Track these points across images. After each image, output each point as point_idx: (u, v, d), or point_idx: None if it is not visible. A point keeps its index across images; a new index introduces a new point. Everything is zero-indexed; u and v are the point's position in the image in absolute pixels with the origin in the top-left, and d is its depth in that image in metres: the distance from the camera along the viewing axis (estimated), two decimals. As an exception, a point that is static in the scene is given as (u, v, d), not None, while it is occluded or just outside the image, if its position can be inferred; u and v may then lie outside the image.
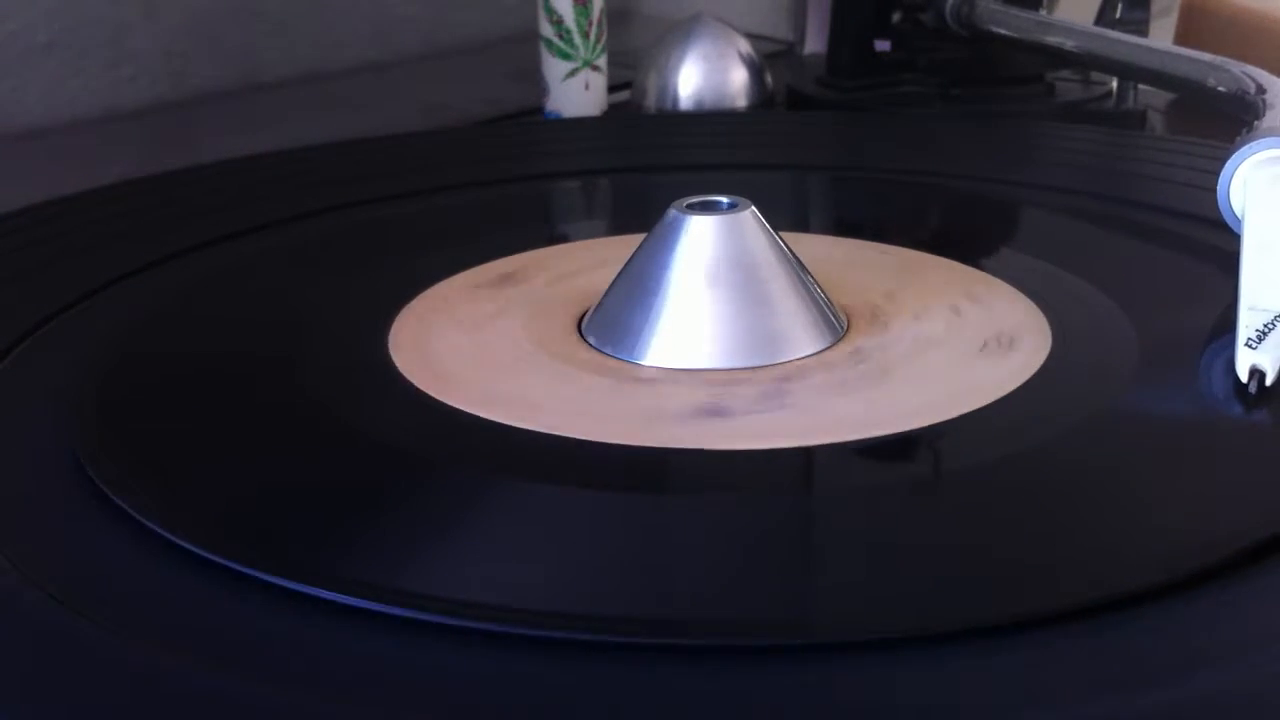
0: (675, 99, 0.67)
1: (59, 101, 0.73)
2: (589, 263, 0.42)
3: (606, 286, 0.38)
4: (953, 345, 0.36)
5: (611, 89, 0.67)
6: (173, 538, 0.27)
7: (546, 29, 0.65)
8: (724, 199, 0.37)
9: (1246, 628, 0.24)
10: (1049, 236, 0.46)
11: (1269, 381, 0.32)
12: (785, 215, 0.46)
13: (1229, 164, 0.38)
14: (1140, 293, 0.39)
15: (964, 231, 0.48)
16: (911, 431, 0.31)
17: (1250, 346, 0.32)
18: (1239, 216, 0.37)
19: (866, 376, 0.34)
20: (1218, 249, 0.40)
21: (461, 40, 0.89)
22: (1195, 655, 0.23)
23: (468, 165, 0.56)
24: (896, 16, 0.68)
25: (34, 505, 0.29)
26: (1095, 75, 0.67)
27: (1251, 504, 0.28)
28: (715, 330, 0.35)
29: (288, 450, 0.32)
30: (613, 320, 0.37)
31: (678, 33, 0.68)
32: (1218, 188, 0.38)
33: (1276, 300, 0.32)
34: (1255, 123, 0.41)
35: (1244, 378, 0.32)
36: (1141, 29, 0.64)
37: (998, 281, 0.40)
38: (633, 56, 0.71)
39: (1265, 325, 0.32)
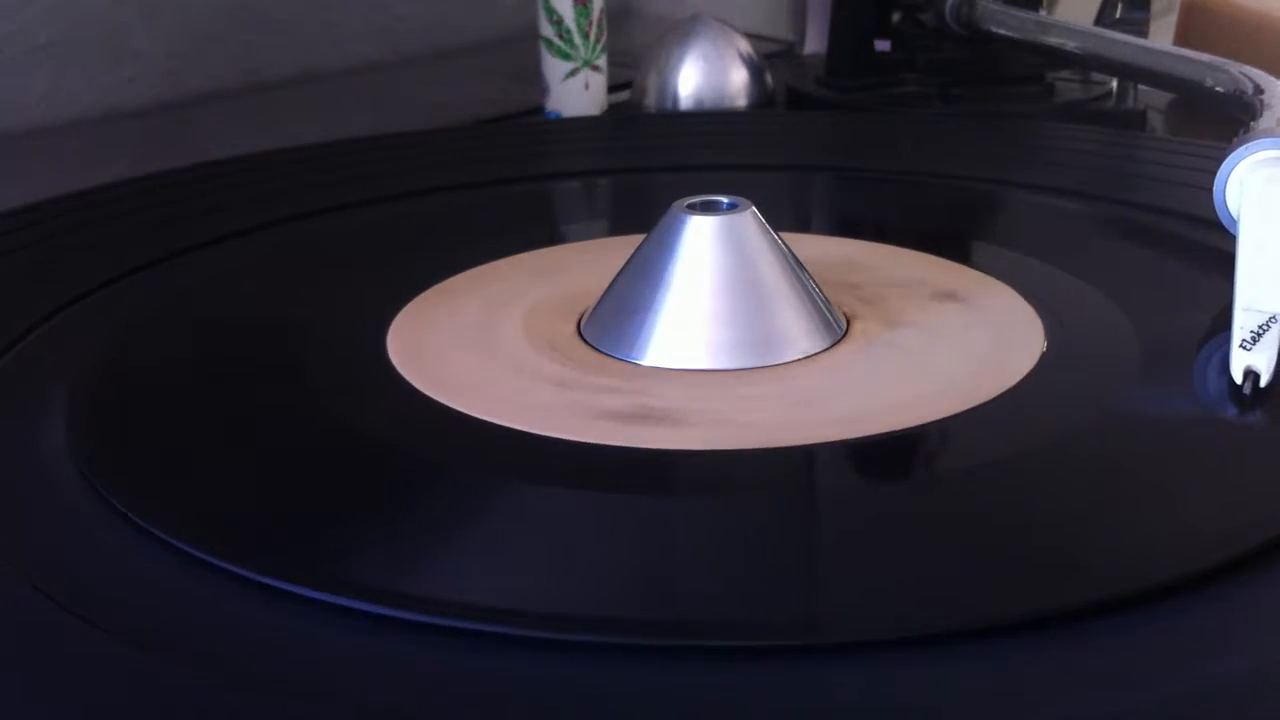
0: (675, 99, 0.67)
1: (59, 101, 0.73)
2: (589, 263, 0.42)
3: (606, 286, 0.38)
4: (952, 345, 0.36)
5: (611, 89, 0.67)
6: (172, 539, 0.27)
7: (546, 29, 0.65)
8: (724, 199, 0.37)
9: (1247, 628, 0.24)
10: (1049, 236, 0.46)
11: (1263, 382, 0.32)
12: (785, 215, 0.46)
13: (1225, 164, 0.38)
14: (1140, 293, 0.39)
15: (963, 231, 0.48)
16: (911, 431, 0.31)
17: (1245, 348, 0.32)
18: (1235, 217, 0.37)
19: (865, 376, 0.34)
20: (1217, 249, 0.40)
21: (461, 40, 0.89)
22: (1195, 655, 0.23)
23: (468, 165, 0.56)
24: (896, 16, 0.68)
25: (34, 505, 0.29)
26: (1095, 75, 0.67)
27: (1250, 505, 0.28)
28: (715, 330, 0.35)
29: (286, 451, 0.32)
30: (613, 320, 0.37)
31: (678, 33, 0.68)
32: (1214, 188, 0.38)
33: (1271, 301, 0.32)
34: (1252, 123, 0.41)
35: (1238, 379, 0.32)
36: (1141, 29, 0.64)
37: (997, 282, 0.40)
38: (633, 56, 0.71)
39: (1260, 326, 0.32)
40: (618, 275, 0.37)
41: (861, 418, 0.32)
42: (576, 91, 0.66)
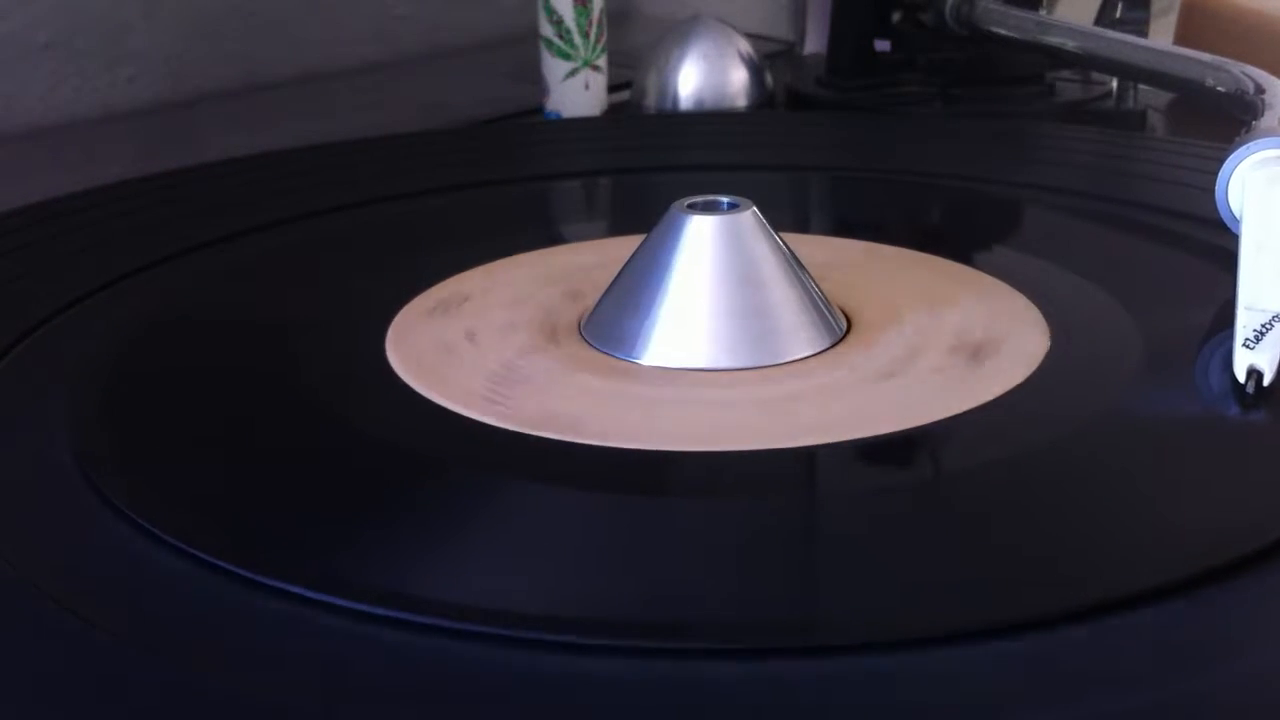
0: (675, 99, 0.67)
1: (59, 101, 0.73)
2: (589, 263, 0.42)
3: (606, 286, 0.38)
4: (952, 345, 0.36)
5: (611, 89, 0.67)
6: (172, 538, 0.27)
7: (546, 29, 0.65)
8: (724, 199, 0.37)
9: (1248, 629, 0.24)
10: (1049, 236, 0.46)
11: (1267, 381, 0.32)
12: (785, 215, 0.46)
13: (1227, 164, 0.38)
14: (1140, 292, 0.39)
15: (964, 231, 0.48)
16: (911, 431, 0.31)
17: (1248, 347, 0.32)
18: (1238, 217, 0.37)
19: (866, 376, 0.34)
20: (1218, 249, 0.40)
21: (461, 40, 0.89)
22: (1195, 656, 0.23)
23: (468, 165, 0.56)
24: (896, 16, 0.68)
25: (34, 505, 0.29)
26: (1095, 75, 0.67)
27: (1252, 505, 0.28)
28: (715, 330, 0.35)
29: (286, 451, 0.32)
30: (613, 320, 0.37)
31: (678, 33, 0.68)
32: (1216, 188, 0.38)
33: (1274, 300, 0.32)
34: (1254, 123, 0.41)
35: (1242, 378, 0.32)
36: (1141, 29, 0.64)
37: (998, 281, 0.40)
38: (633, 56, 0.71)
39: (1263, 325, 0.32)
40: (618, 275, 0.37)
41: (862, 418, 0.32)
42: (576, 91, 0.66)
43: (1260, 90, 0.45)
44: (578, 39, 0.64)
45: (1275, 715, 0.22)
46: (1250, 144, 0.38)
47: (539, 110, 0.67)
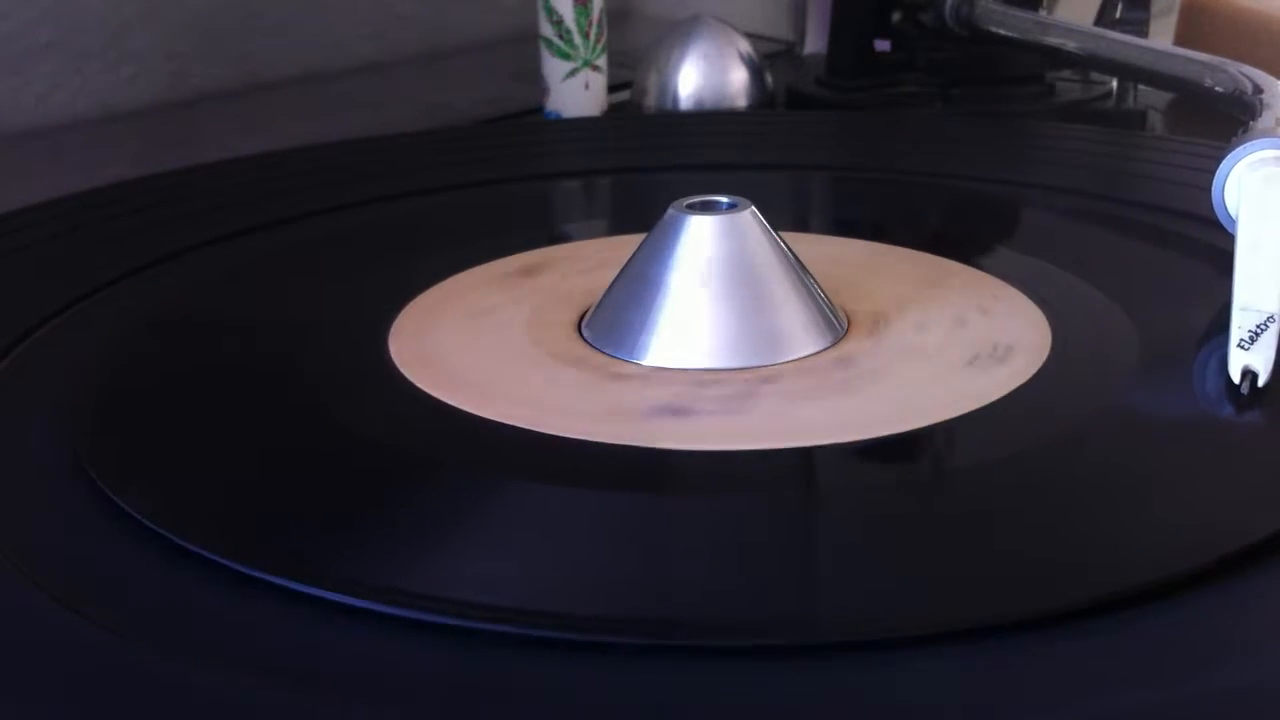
0: (675, 99, 0.67)
1: (59, 101, 0.73)
2: (589, 263, 0.42)
3: (606, 286, 0.38)
4: (952, 344, 0.36)
5: (611, 89, 0.67)
6: (172, 537, 0.27)
7: (546, 29, 0.65)
8: (724, 199, 0.37)
9: (1246, 628, 0.24)
10: (1049, 236, 0.46)
11: (1261, 382, 0.32)
12: (785, 215, 0.46)
13: (1223, 165, 0.38)
14: (1140, 293, 0.39)
15: (963, 231, 0.48)
16: (912, 431, 0.31)
17: (1242, 348, 0.32)
18: (1234, 217, 0.37)
19: (867, 376, 0.34)
20: (1218, 249, 0.40)
21: (461, 40, 0.90)
22: (1194, 656, 0.23)
23: (468, 165, 0.56)
24: (896, 16, 0.68)
25: (34, 505, 0.29)
26: (1095, 75, 0.67)
27: (1248, 505, 0.28)
28: (715, 330, 0.35)
29: (287, 450, 0.32)
30: (612, 320, 0.37)
31: (678, 33, 0.68)
32: (1212, 188, 0.38)
33: (1268, 301, 0.32)
34: (1251, 123, 0.41)
35: (1236, 379, 0.32)
36: (1141, 29, 0.64)
37: (997, 281, 0.40)
38: (633, 56, 0.71)
39: (1257, 326, 0.32)
40: (618, 275, 0.37)
41: (862, 418, 0.32)
42: (576, 91, 0.66)
43: (1258, 90, 0.45)
44: (578, 39, 0.64)
45: (1275, 715, 0.22)
46: (1246, 144, 0.38)
47: (539, 110, 0.67)
